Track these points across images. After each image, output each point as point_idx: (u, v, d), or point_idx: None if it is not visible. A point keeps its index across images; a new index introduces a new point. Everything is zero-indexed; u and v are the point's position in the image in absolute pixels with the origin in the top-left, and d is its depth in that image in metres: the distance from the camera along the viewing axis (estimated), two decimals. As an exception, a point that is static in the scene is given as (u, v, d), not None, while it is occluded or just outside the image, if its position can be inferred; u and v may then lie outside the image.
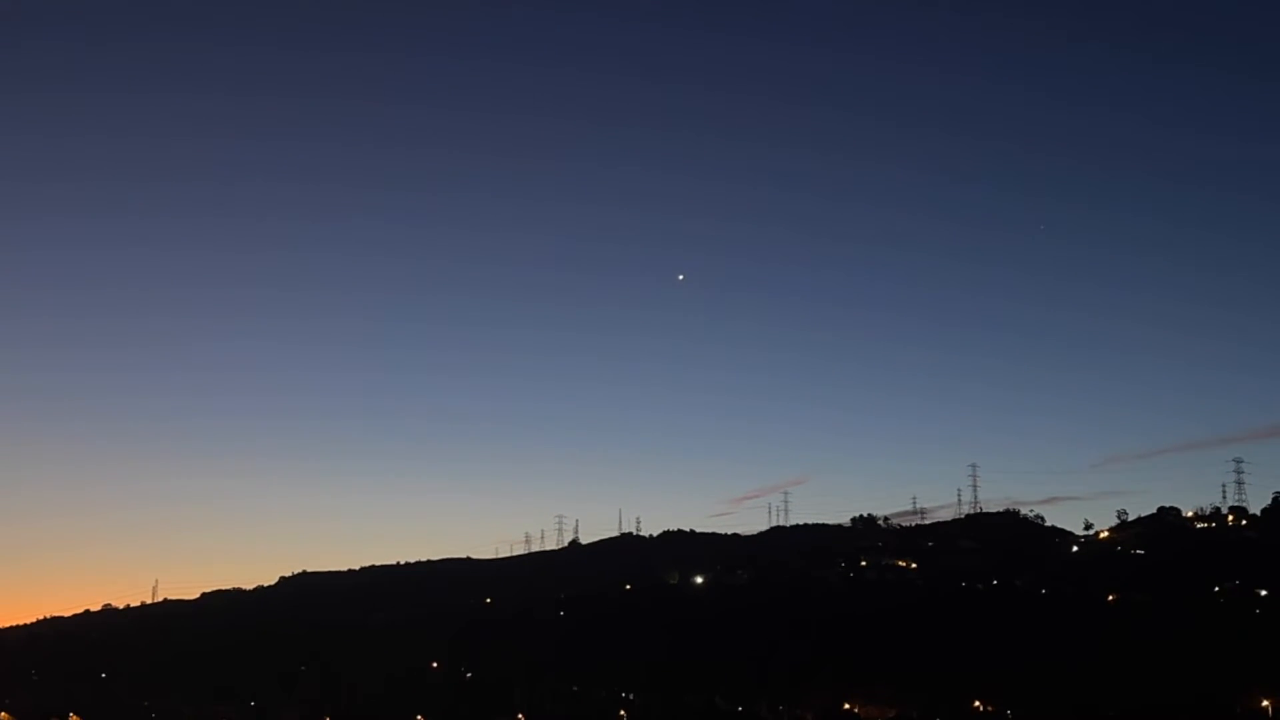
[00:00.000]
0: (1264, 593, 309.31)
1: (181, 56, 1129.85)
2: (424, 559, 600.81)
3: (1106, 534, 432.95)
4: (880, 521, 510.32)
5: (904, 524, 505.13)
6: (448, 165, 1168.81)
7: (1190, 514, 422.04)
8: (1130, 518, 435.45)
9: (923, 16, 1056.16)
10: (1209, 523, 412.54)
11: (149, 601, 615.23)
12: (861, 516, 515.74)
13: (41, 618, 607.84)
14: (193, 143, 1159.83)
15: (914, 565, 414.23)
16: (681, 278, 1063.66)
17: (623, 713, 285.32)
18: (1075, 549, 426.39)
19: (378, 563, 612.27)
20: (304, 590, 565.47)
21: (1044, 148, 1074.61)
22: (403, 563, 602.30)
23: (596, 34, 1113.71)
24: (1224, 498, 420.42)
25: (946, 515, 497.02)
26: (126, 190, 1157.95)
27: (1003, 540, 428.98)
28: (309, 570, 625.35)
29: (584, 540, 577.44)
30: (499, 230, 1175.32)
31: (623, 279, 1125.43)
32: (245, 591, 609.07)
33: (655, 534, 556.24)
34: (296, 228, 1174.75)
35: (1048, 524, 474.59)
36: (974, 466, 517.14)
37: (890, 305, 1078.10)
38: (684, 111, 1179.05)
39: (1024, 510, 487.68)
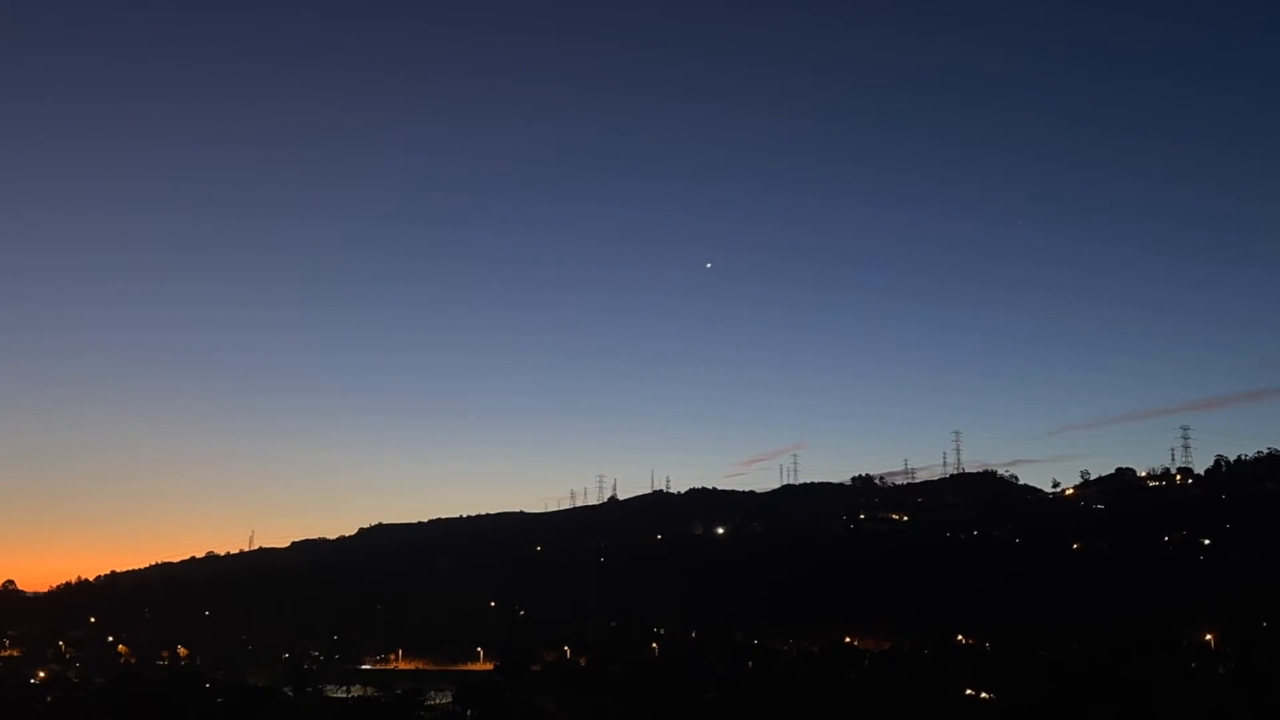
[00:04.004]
0: (1207, 542, 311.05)
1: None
2: (483, 512, 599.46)
3: (1071, 491, 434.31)
4: (876, 480, 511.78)
5: (897, 483, 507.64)
6: (498, 140, 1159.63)
7: (1144, 474, 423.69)
8: (1092, 477, 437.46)
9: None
10: (1160, 481, 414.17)
11: (246, 549, 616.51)
12: (860, 476, 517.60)
13: (153, 563, 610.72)
14: (279, 110, 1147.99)
15: (906, 518, 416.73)
16: (710, 265, 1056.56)
17: (654, 645, 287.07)
18: (1044, 504, 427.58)
19: (443, 516, 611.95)
20: (380, 539, 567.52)
21: (1023, 144, 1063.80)
22: (465, 516, 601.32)
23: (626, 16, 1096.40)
24: (1173, 460, 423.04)
25: (934, 475, 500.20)
26: (220, 158, 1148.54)
27: (982, 496, 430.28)
28: (384, 522, 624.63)
29: (621, 496, 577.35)
30: (546, 221, 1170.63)
31: (659, 266, 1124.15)
32: (329, 541, 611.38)
33: (682, 491, 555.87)
34: (367, 196, 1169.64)
35: (1020, 482, 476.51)
36: (957, 433, 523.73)
37: (882, 293, 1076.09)
38: (707, 113, 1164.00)
39: (999, 471, 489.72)
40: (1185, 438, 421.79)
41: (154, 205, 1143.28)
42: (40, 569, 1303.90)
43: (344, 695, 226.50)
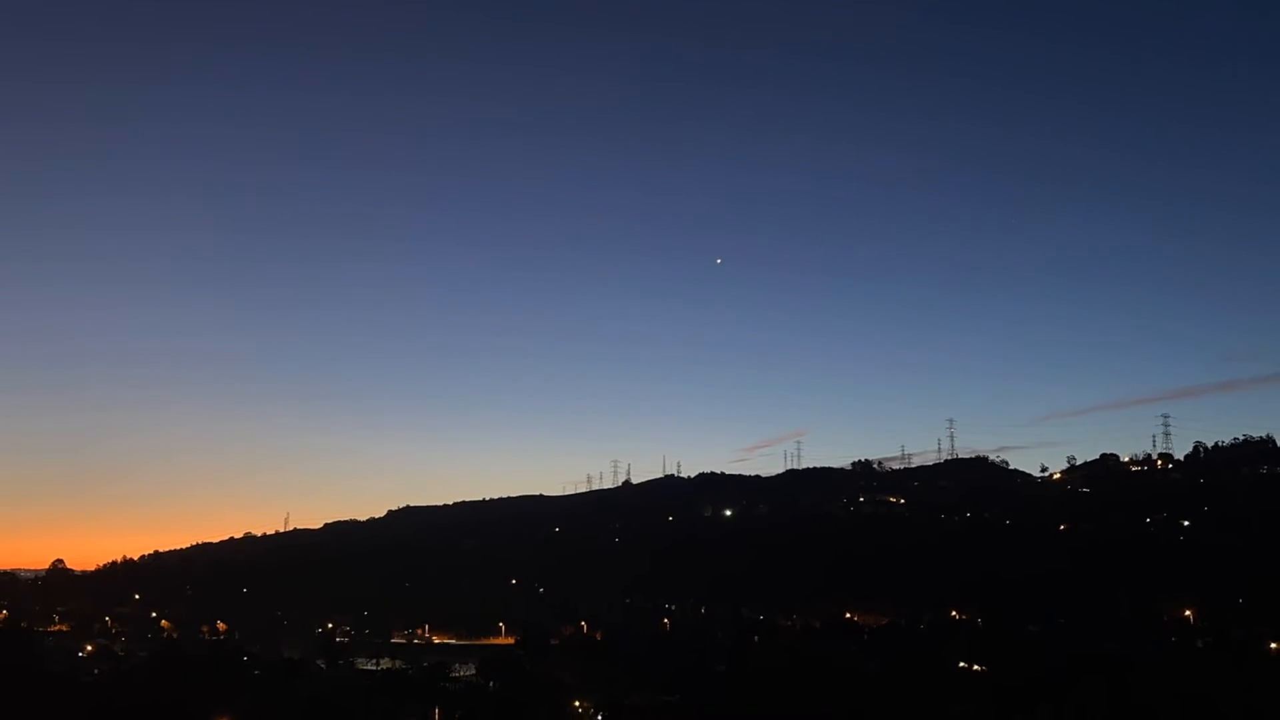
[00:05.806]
0: (1186, 523, 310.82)
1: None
2: (505, 495, 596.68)
3: (1058, 475, 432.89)
4: (874, 465, 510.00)
5: (894, 467, 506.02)
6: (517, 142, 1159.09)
7: (1127, 459, 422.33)
8: (1078, 462, 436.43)
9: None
10: (1142, 466, 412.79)
11: (282, 530, 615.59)
12: (859, 461, 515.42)
13: (194, 543, 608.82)
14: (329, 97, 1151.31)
15: (903, 501, 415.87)
16: (720, 261, 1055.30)
17: (666, 621, 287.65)
18: (1033, 488, 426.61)
19: (467, 499, 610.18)
20: (407, 521, 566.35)
21: (1008, 140, 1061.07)
22: (487, 499, 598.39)
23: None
24: (1154, 446, 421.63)
25: (928, 460, 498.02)
26: (267, 135, 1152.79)
27: (974, 480, 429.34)
28: (412, 505, 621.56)
29: (635, 480, 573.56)
30: (560, 213, 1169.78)
31: (672, 263, 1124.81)
32: (359, 522, 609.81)
33: (692, 475, 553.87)
34: (385, 183, 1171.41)
35: (1010, 467, 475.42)
36: (951, 420, 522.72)
37: (879, 288, 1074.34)
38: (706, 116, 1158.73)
39: (990, 456, 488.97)
40: (1166, 425, 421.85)
41: (178, 187, 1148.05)
42: (88, 549, 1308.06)
43: (374, 668, 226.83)
